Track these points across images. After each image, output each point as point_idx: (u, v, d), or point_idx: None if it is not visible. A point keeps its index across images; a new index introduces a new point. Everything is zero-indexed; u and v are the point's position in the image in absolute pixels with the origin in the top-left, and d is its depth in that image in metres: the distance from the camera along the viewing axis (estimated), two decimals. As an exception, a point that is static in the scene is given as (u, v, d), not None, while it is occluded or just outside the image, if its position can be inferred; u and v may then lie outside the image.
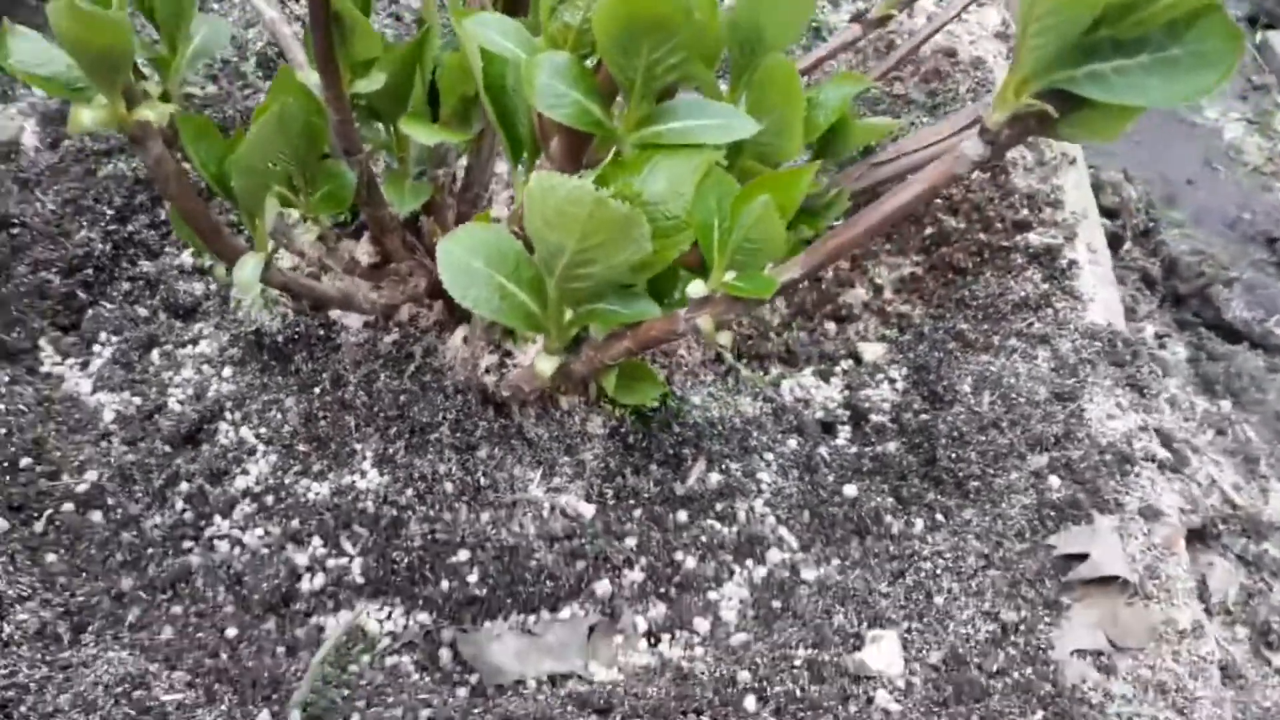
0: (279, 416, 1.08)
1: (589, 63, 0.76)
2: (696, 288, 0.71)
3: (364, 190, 0.96)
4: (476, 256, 0.75)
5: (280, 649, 0.92)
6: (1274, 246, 1.74)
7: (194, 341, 1.18)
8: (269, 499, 1.03)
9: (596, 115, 0.74)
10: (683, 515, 1.08)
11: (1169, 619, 0.90)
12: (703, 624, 1.01)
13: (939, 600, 0.93)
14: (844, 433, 1.21)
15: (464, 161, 1.09)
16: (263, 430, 1.08)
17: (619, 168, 0.74)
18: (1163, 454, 1.05)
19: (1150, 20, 0.56)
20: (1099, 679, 0.88)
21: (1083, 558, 0.94)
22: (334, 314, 1.11)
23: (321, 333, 1.10)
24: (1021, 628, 0.90)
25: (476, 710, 0.84)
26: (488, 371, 0.95)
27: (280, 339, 1.11)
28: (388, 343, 1.09)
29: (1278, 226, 1.77)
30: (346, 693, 0.86)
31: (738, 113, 0.77)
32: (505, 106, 0.82)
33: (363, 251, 1.02)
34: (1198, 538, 1.28)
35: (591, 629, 1.00)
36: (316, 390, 1.08)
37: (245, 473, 1.05)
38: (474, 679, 0.96)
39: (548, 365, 0.79)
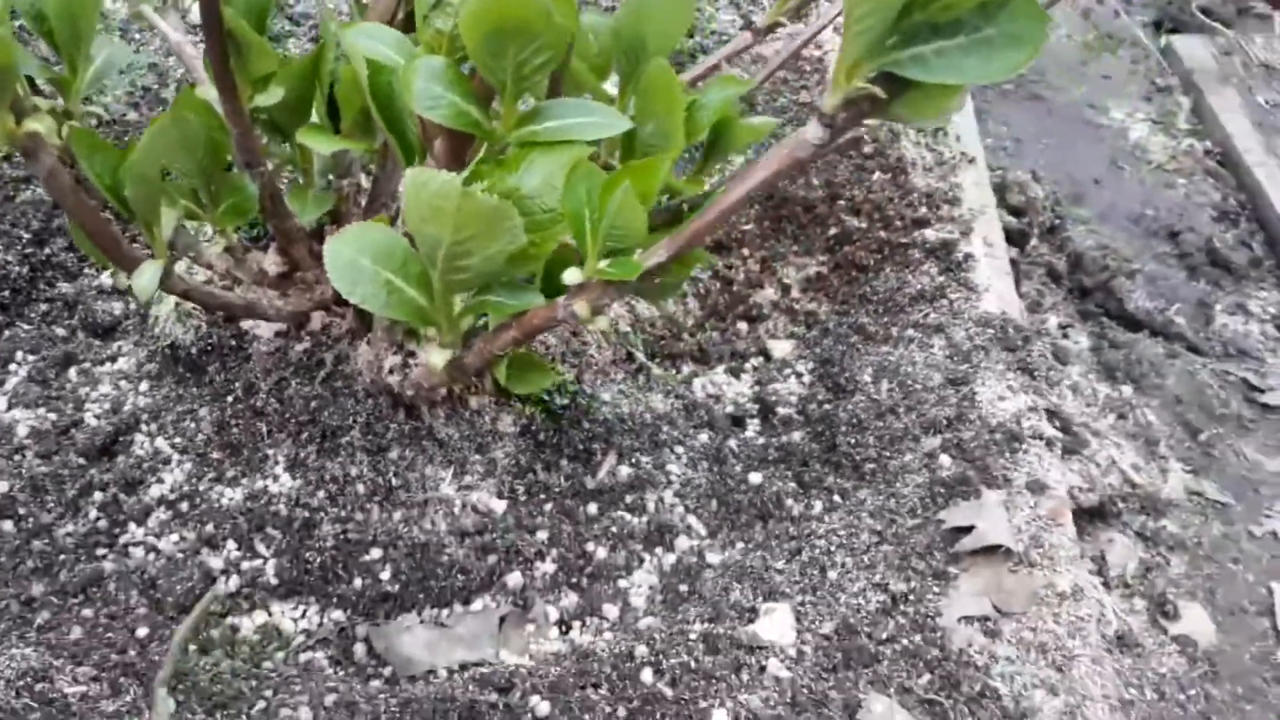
0: (193, 426, 1.10)
1: (465, 67, 0.80)
2: (572, 275, 0.74)
3: (268, 202, 0.99)
4: (364, 254, 0.78)
5: (192, 648, 0.94)
6: (1176, 240, 1.81)
7: (112, 359, 1.20)
8: (183, 505, 1.06)
9: (474, 116, 0.78)
10: (593, 508, 1.11)
11: (1050, 584, 0.94)
12: (612, 610, 1.04)
13: (832, 575, 0.97)
14: (753, 425, 1.25)
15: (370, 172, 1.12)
16: (178, 440, 1.10)
17: (497, 165, 0.78)
18: (1051, 432, 1.10)
19: (960, 3, 0.61)
20: (984, 643, 0.92)
21: (969, 530, 0.98)
22: (246, 324, 1.13)
23: (234, 343, 1.13)
24: (910, 597, 0.94)
25: (381, 696, 0.87)
26: (391, 372, 0.98)
27: (194, 351, 1.13)
28: (299, 351, 1.11)
29: (1180, 221, 1.84)
30: (254, 684, 0.88)
31: (612, 111, 0.81)
32: (393, 113, 0.85)
33: (270, 262, 1.05)
34: (1098, 515, 1.33)
35: (503, 619, 1.02)
36: (229, 399, 1.10)
37: (160, 481, 1.07)
38: (387, 671, 0.98)
39: (439, 358, 0.82)
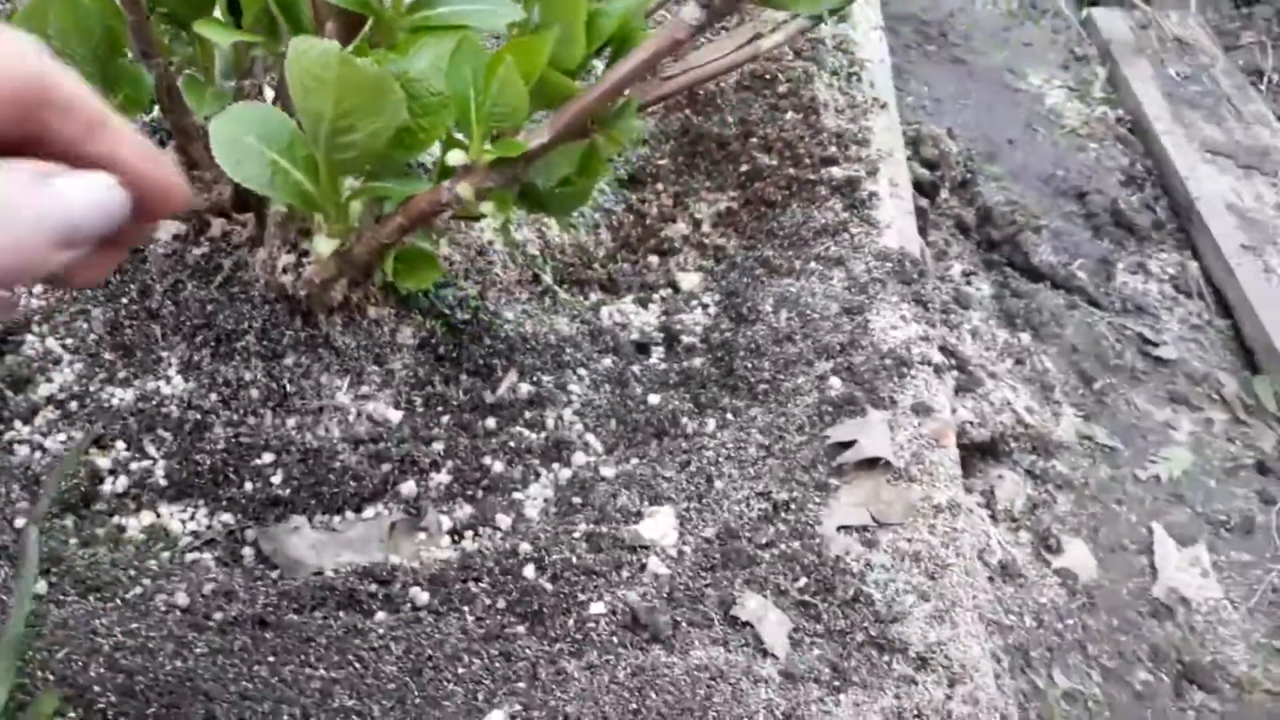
0: (86, 327, 1.08)
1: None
2: (455, 156, 0.75)
3: (165, 96, 0.97)
4: (249, 132, 0.77)
5: (73, 540, 0.93)
6: (1083, 200, 1.86)
7: (7, 264, 1.18)
8: (73, 405, 1.04)
9: (365, -1, 0.78)
10: (491, 422, 1.12)
11: (927, 497, 0.97)
12: (505, 521, 1.04)
13: (719, 484, 0.99)
14: (657, 353, 1.27)
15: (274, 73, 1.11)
16: (69, 341, 1.08)
17: (389, 49, 0.77)
18: (939, 359, 1.13)
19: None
20: (861, 551, 0.94)
21: (851, 444, 1.00)
22: (143, 227, 1.11)
23: (130, 245, 1.11)
24: (792, 506, 0.96)
25: (260, 584, 0.87)
26: (285, 271, 0.98)
27: (89, 252, 1.12)
28: (196, 255, 1.10)
29: (1088, 183, 1.89)
30: (133, 573, 0.87)
31: (507, 0, 0.81)
32: (287, -3, 0.85)
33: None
34: (989, 452, 1.37)
35: (394, 525, 1.03)
36: (124, 301, 1.09)
37: (49, 380, 1.06)
38: (275, 575, 0.98)
39: (326, 246, 0.82)
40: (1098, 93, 2.14)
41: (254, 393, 1.04)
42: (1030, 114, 2.06)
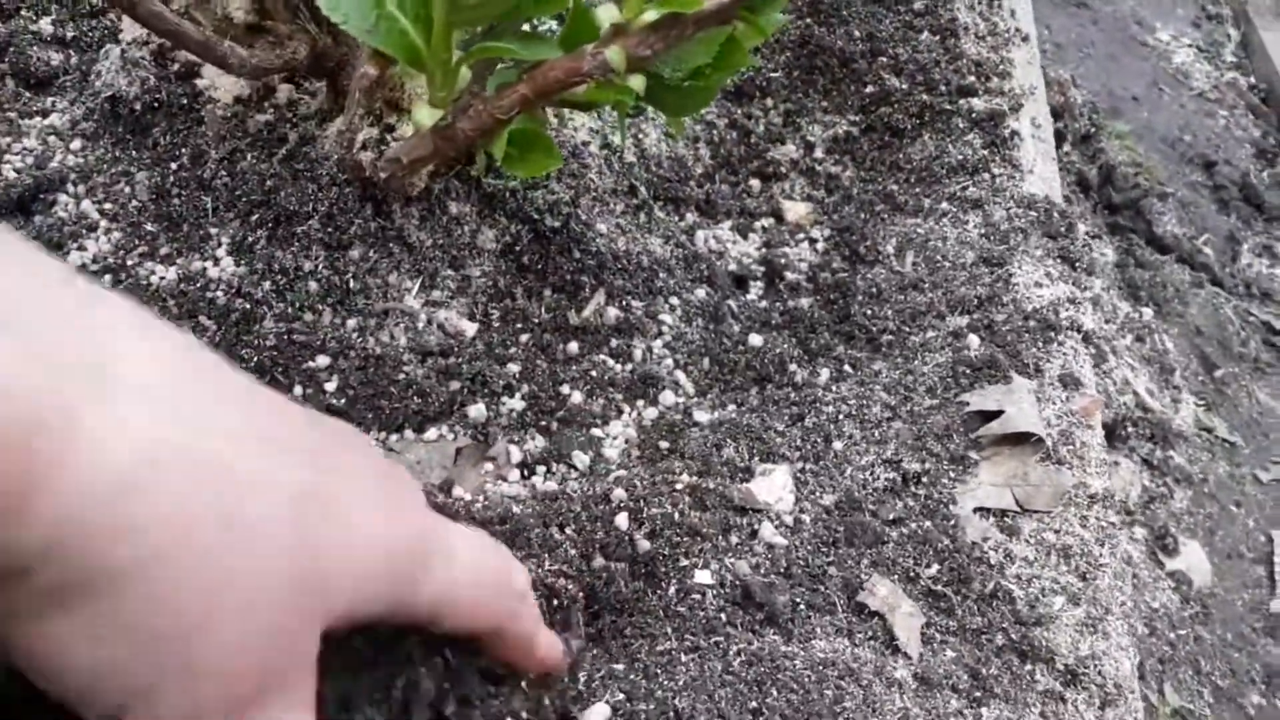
0: (128, 191, 0.95)
1: None
2: (608, 11, 0.60)
3: (241, -73, 0.83)
4: (351, -34, 0.63)
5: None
6: (1211, 170, 1.70)
7: (43, 114, 1.04)
8: (106, 279, 0.91)
9: None
10: (574, 347, 0.99)
11: (1081, 484, 0.84)
12: (583, 459, 0.92)
13: (838, 445, 0.85)
14: (756, 288, 1.13)
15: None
16: (108, 205, 0.95)
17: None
18: (1090, 325, 0.99)
19: None
20: (1001, 539, 0.81)
21: (995, 415, 0.87)
22: (202, 83, 0.98)
23: (185, 103, 0.97)
24: (924, 480, 0.83)
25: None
26: (365, 147, 0.84)
27: (139, 106, 0.98)
28: (259, 122, 0.96)
29: (1216, 152, 1.73)
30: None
31: None
32: None
33: (237, 7, 0.89)
34: (1108, 435, 1.23)
35: (459, 451, 0.90)
36: (173, 166, 0.95)
37: (83, 249, 0.93)
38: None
39: (427, 116, 0.68)
40: (1229, 56, 1.97)
41: (312, 285, 0.91)
42: (1156, 71, 1.89)
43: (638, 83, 0.63)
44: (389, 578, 0.44)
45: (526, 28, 0.73)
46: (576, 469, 0.92)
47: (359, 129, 0.83)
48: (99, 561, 0.34)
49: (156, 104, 0.97)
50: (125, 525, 0.34)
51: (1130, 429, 1.24)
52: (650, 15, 0.59)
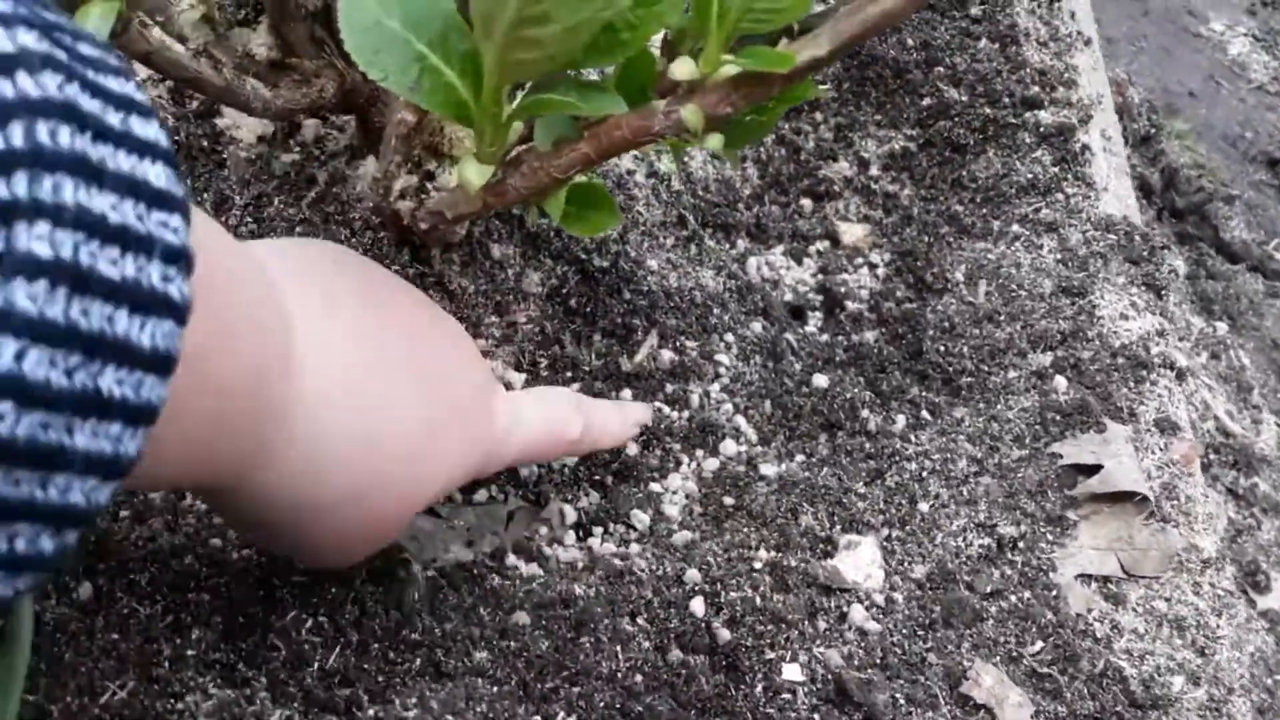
0: (147, 242, 0.89)
1: None
2: (683, 67, 0.54)
3: (262, -41, 0.76)
4: (392, 14, 0.57)
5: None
6: (1275, 169, 1.61)
7: (55, 154, 0.98)
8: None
9: None
10: (627, 395, 0.92)
11: (1191, 545, 0.77)
12: (641, 518, 0.85)
13: (924, 506, 0.79)
14: (815, 319, 1.06)
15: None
16: (126, 257, 0.89)
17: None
18: (1183, 362, 0.91)
19: None
20: (1106, 609, 0.74)
21: (1093, 470, 0.80)
22: (222, 123, 0.91)
23: (205, 144, 0.91)
24: (1020, 545, 0.76)
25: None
26: (403, 195, 0.77)
27: (155, 149, 0.91)
28: (285, 162, 0.90)
29: (1279, 149, 1.65)
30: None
31: None
32: None
33: (259, 44, 0.82)
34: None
35: (511, 515, 0.84)
36: (195, 213, 0.89)
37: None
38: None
39: (477, 175, 0.62)
40: (1287, 44, 1.88)
41: (348, 340, 0.85)
42: (1212, 64, 1.80)
43: (715, 142, 0.56)
44: (483, 459, 0.65)
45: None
46: (636, 529, 0.85)
47: (396, 176, 0.76)
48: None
49: (175, 146, 0.91)
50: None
51: (1213, 456, 1.17)
52: (730, 70, 0.52)
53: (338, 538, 0.56)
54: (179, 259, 0.33)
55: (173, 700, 0.52)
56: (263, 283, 0.48)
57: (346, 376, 0.52)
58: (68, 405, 0.29)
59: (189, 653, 0.58)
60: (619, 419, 0.77)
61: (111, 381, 0.31)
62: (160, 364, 0.33)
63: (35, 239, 0.27)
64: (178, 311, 0.33)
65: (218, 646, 0.60)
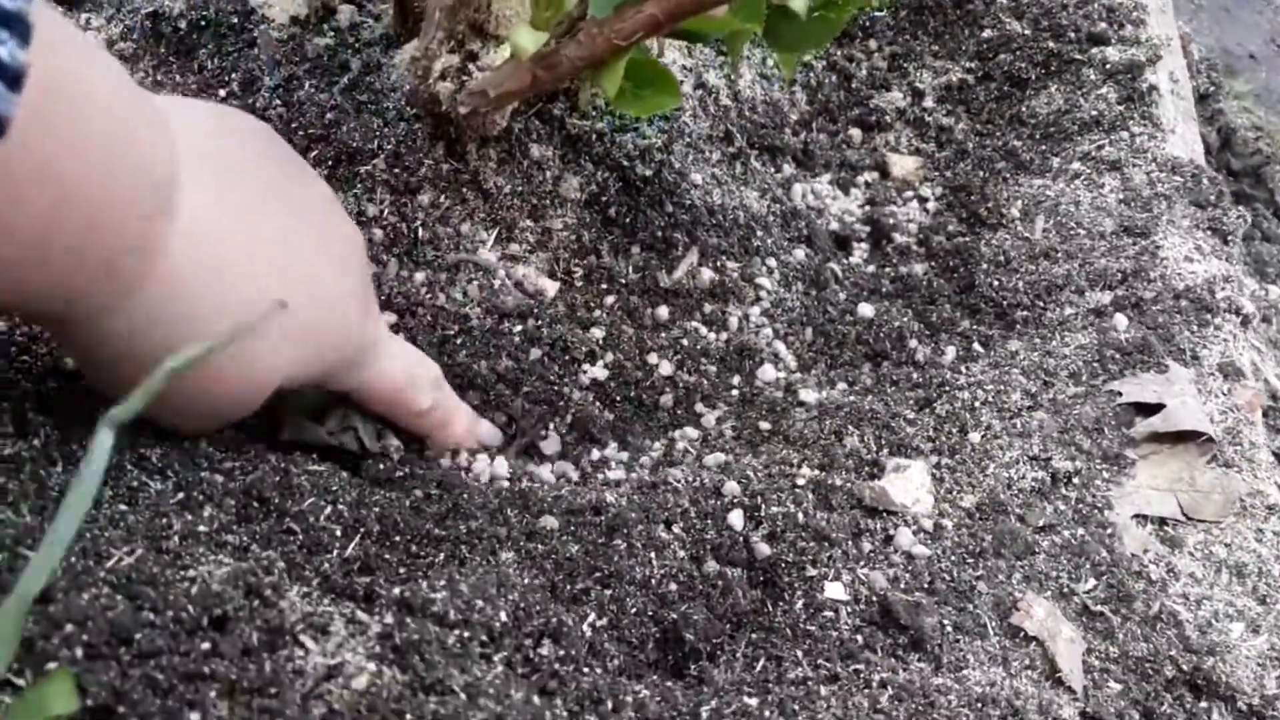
0: (171, 120, 0.85)
1: None
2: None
3: None
4: None
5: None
6: (1334, 137, 1.56)
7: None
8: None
9: None
10: (664, 312, 0.88)
11: (1256, 490, 0.73)
12: (673, 438, 0.82)
13: (975, 437, 0.75)
14: (860, 251, 1.02)
15: None
16: (149, 136, 0.85)
17: None
18: (1249, 308, 0.87)
19: None
20: (1162, 551, 0.71)
21: (1154, 409, 0.76)
22: (254, 1, 0.87)
23: (235, 22, 0.86)
24: (1075, 480, 0.72)
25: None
26: (443, 77, 0.73)
27: (183, 26, 0.87)
28: (318, 46, 0.85)
29: (1339, 117, 1.59)
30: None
31: None
32: None
33: (297, -87, 0.78)
34: (1238, 427, 1.12)
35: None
36: (221, 93, 0.85)
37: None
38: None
39: (529, 40, 0.57)
40: (1351, 12, 1.82)
41: (377, 232, 0.81)
42: (1274, 27, 1.74)
43: (800, 4, 0.52)
44: (335, 362, 0.62)
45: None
46: (667, 450, 0.82)
47: (437, 55, 0.72)
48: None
49: (204, 22, 0.87)
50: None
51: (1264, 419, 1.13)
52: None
53: (183, 397, 0.55)
54: (11, 23, 0.35)
55: (183, 570, 0.48)
56: (152, 126, 0.48)
57: (220, 234, 0.52)
58: None
59: (200, 529, 0.55)
60: (467, 422, 0.73)
61: None
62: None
63: None
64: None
65: (230, 528, 0.57)
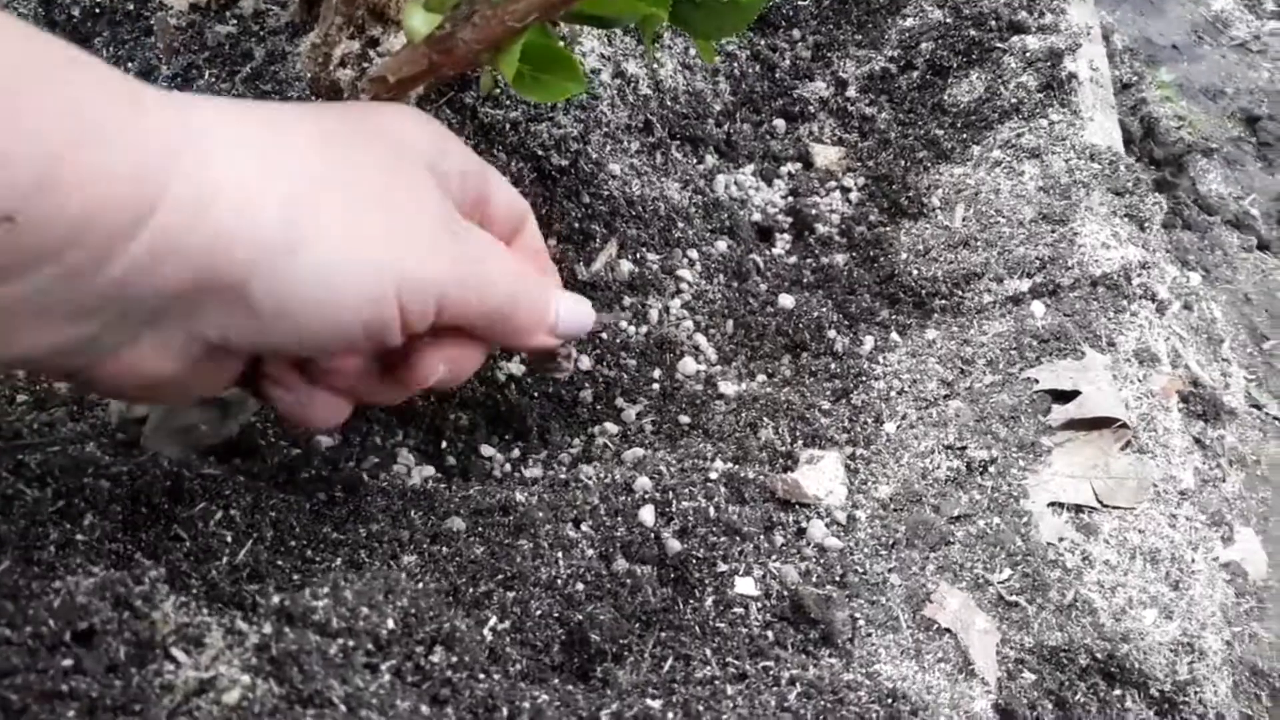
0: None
1: None
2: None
3: None
4: None
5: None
6: (1254, 126, 1.58)
7: (-30, 21, 0.90)
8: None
9: None
10: (581, 305, 0.86)
11: (1169, 476, 0.73)
12: (592, 434, 0.80)
13: (890, 427, 0.74)
14: (783, 242, 1.01)
15: None
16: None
17: None
18: (1164, 295, 0.87)
19: None
20: (1078, 539, 0.70)
21: (1070, 396, 0.76)
22: (151, -13, 0.84)
23: (131, 9, 0.83)
24: (991, 469, 0.72)
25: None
26: (344, 63, 0.71)
27: (76, 12, 0.84)
28: (219, 34, 0.82)
29: (1259, 106, 1.61)
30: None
31: None
32: None
33: (192, -105, 0.75)
34: (1159, 412, 1.13)
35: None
36: (117, 83, 0.82)
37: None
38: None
39: (423, 22, 0.55)
40: (1271, 4, 1.84)
41: (281, 227, 0.78)
42: (1195, 19, 1.76)
43: (694, -21, 0.50)
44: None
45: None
46: (582, 446, 0.80)
47: (336, 42, 0.70)
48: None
49: (98, 9, 0.83)
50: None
51: (1182, 405, 1.14)
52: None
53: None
54: None
55: (52, 582, 0.46)
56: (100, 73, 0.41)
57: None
58: None
59: (78, 538, 0.52)
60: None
61: None
62: None
63: None
64: None
65: (114, 536, 0.54)
